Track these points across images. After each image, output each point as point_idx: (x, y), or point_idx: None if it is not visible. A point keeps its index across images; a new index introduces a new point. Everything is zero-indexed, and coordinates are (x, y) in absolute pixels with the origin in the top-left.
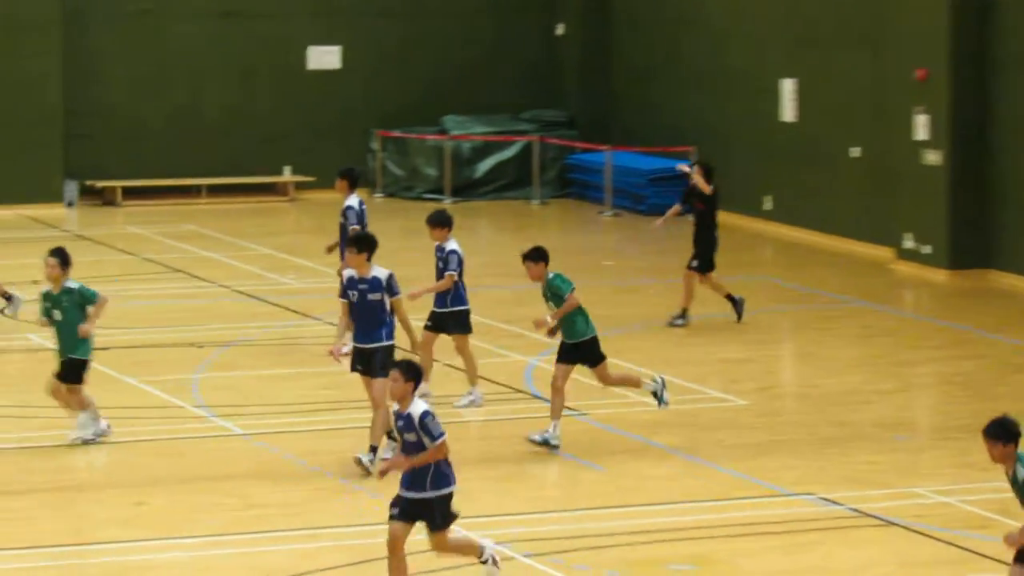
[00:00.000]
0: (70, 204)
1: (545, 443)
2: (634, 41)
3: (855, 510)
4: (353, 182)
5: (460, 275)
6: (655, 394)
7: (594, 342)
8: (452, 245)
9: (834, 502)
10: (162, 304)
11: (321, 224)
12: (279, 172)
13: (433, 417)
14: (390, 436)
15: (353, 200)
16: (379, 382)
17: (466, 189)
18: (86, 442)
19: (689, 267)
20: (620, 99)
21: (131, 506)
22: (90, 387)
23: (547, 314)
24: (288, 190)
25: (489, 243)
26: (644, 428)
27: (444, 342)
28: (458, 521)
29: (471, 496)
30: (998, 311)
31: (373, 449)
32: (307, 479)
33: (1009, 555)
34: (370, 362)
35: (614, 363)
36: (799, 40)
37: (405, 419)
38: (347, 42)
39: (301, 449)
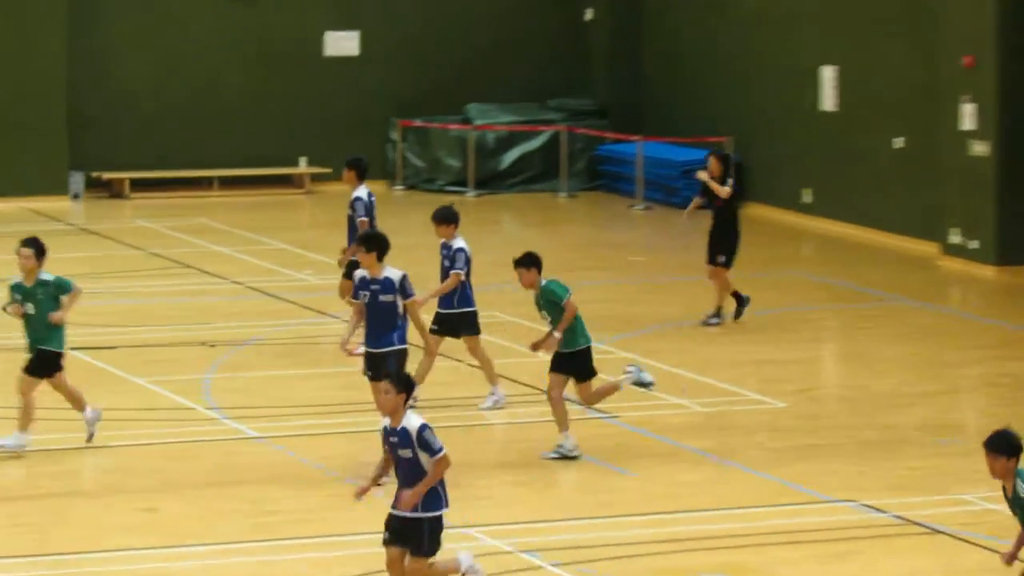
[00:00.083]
0: (75, 196)
1: (563, 458)
2: (666, 26)
3: (899, 517)
4: (362, 172)
5: (467, 275)
6: (638, 383)
7: (588, 353)
8: (459, 243)
9: (877, 509)
10: (172, 301)
11: (338, 218)
12: (294, 163)
13: (431, 430)
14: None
15: (362, 191)
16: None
17: (490, 181)
18: (91, 435)
19: (717, 264)
20: (652, 87)
21: (140, 512)
22: (98, 388)
23: (543, 335)
24: (304, 182)
25: (514, 238)
26: (676, 432)
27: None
28: (483, 529)
29: (496, 502)
30: None
31: None
32: (323, 484)
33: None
34: (381, 367)
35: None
36: (839, 25)
37: (400, 434)
38: (366, 27)
39: (317, 453)
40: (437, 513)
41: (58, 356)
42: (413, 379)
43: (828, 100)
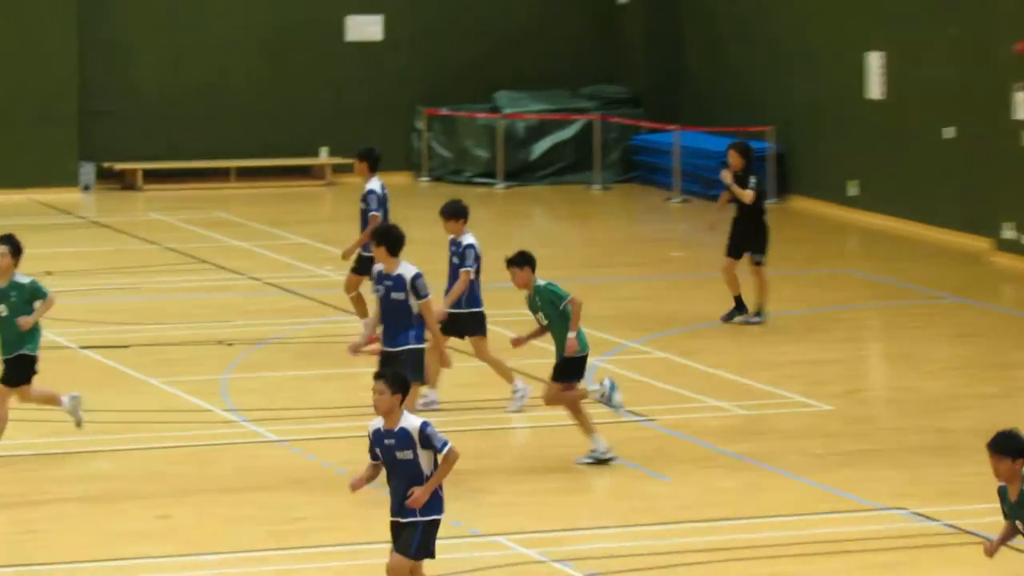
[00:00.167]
0: (86, 188)
1: (597, 462)
2: (705, 8)
3: (952, 526)
4: (374, 164)
5: (476, 272)
6: (606, 402)
7: (585, 361)
8: (469, 239)
9: (928, 517)
10: (187, 298)
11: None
12: (315, 154)
13: (432, 426)
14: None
15: (375, 184)
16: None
17: (520, 173)
18: (78, 420)
19: (754, 262)
20: (690, 73)
21: (155, 519)
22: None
23: (525, 332)
24: (325, 173)
25: (545, 232)
26: (715, 435)
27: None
28: (514, 537)
29: (526, 510)
30: None
31: None
32: (346, 490)
33: None
34: (396, 366)
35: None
36: (887, 8)
37: (398, 435)
38: (389, 11)
39: (340, 457)
40: (435, 517)
41: (33, 361)
42: (409, 380)
43: (875, 88)
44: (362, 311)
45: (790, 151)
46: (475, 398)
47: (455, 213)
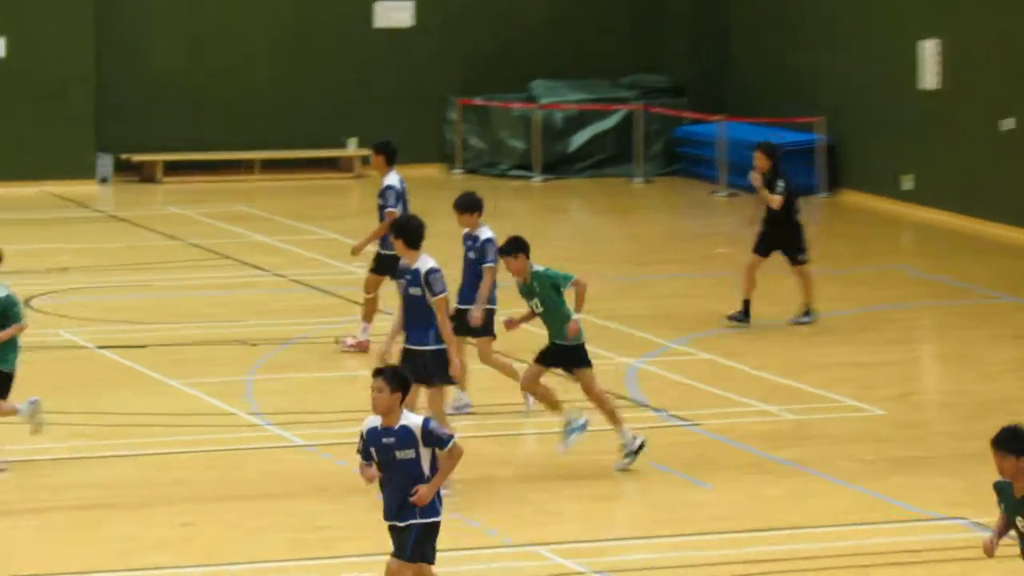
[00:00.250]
0: (104, 180)
1: (632, 455)
2: None
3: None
4: (391, 157)
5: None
6: (567, 431)
7: (583, 349)
8: (487, 233)
9: (986, 527)
10: (208, 296)
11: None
12: (342, 145)
13: (435, 422)
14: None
15: (393, 178)
16: (433, 392)
17: (558, 165)
18: (37, 425)
19: (797, 262)
20: (735, 61)
21: (176, 527)
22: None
23: (517, 314)
24: (353, 165)
25: (583, 227)
26: (761, 440)
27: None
28: (552, 547)
29: (561, 519)
30: None
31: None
32: (375, 497)
33: None
34: (416, 365)
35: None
36: None
37: (399, 433)
38: None
39: None
40: (432, 520)
41: (9, 378)
42: (410, 377)
43: (929, 77)
44: (369, 314)
45: (841, 143)
46: (505, 401)
47: (469, 206)
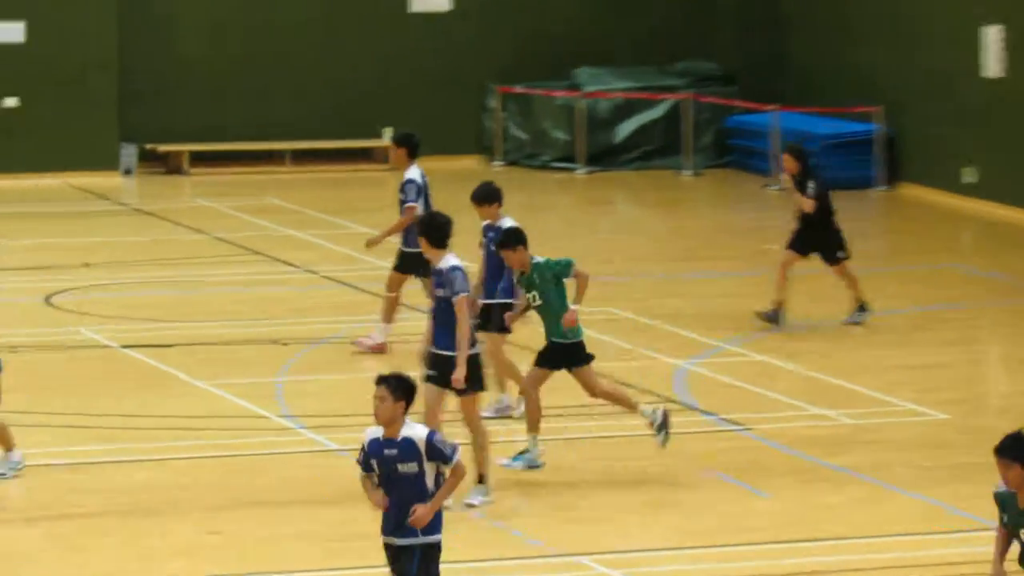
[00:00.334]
0: (127, 172)
1: (663, 429)
2: None
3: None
4: (413, 150)
5: None
6: (523, 458)
7: (583, 347)
8: (508, 222)
9: None
10: (237, 292)
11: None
12: (377, 135)
13: (440, 435)
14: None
15: (414, 172)
16: (466, 399)
17: (603, 157)
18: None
19: (835, 260)
20: (789, 49)
21: (202, 535)
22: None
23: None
24: (388, 156)
25: (629, 221)
26: (818, 446)
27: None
28: (596, 558)
29: (610, 527)
30: None
31: (481, 479)
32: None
33: None
34: (442, 369)
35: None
36: None
37: (401, 446)
38: None
39: None
40: (435, 538)
41: None
42: (415, 383)
43: (993, 64)
44: (389, 314)
45: (900, 134)
46: (547, 405)
47: (488, 196)
